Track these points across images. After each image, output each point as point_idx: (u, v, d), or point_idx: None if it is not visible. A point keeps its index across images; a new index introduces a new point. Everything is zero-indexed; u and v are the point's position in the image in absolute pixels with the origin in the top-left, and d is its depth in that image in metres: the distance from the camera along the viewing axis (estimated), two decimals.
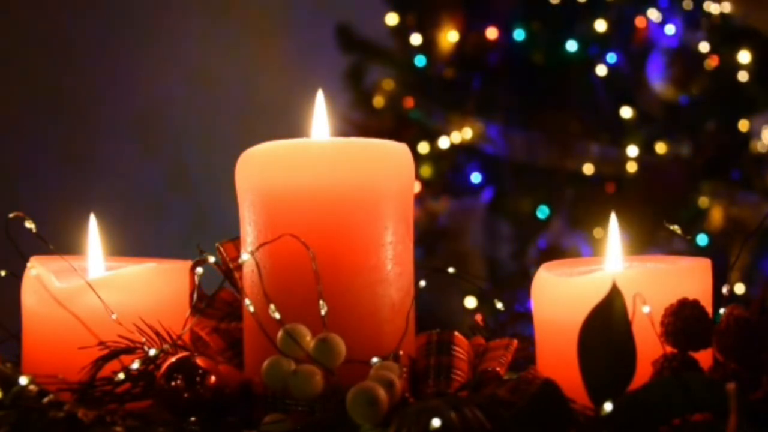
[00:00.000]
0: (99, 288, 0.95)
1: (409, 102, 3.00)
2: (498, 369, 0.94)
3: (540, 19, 2.88)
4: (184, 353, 0.91)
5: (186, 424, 0.88)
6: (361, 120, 2.98)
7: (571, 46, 2.82)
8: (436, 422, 0.77)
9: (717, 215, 2.73)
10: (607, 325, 0.81)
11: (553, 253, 2.75)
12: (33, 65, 3.56)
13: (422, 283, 0.97)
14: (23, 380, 0.86)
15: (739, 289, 2.55)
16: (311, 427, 0.86)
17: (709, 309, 0.90)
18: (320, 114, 0.99)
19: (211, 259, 0.97)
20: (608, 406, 0.78)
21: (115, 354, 0.92)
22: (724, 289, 0.92)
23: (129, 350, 0.93)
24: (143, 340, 0.93)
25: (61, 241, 1.01)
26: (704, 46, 2.74)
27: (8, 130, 3.54)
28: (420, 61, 2.95)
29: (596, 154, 2.82)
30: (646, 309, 0.85)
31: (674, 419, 0.79)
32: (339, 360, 0.84)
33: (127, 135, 3.62)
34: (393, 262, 0.93)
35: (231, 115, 3.61)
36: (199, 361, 0.89)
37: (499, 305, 1.08)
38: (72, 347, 0.93)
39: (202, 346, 0.98)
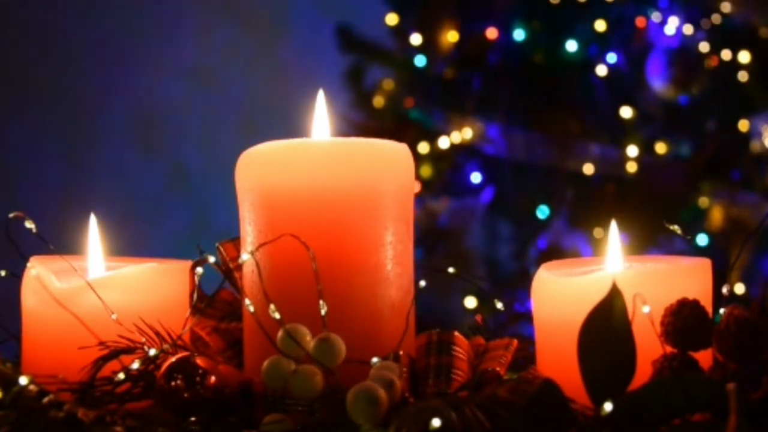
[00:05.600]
0: (99, 288, 0.95)
1: (409, 102, 3.00)
2: (498, 369, 0.94)
3: (540, 19, 2.88)
4: (184, 353, 0.91)
5: (186, 424, 0.88)
6: (361, 120, 2.97)
7: (571, 46, 2.82)
8: (436, 422, 0.77)
9: (717, 215, 2.73)
10: (607, 325, 0.81)
11: (553, 253, 2.75)
12: (33, 65, 3.56)
13: (422, 283, 0.97)
14: (23, 380, 0.86)
15: (739, 289, 2.55)
16: (311, 427, 0.86)
17: (709, 309, 0.90)
18: (320, 114, 0.99)
19: (211, 259, 0.97)
20: (608, 406, 0.78)
21: (115, 354, 0.92)
22: (724, 289, 0.92)
23: (129, 350, 0.93)
24: (143, 340, 0.93)
25: (61, 241, 1.01)
26: (704, 46, 2.74)
27: (8, 130, 3.54)
28: (420, 61, 2.95)
29: (596, 154, 2.82)
30: (646, 309, 0.85)
31: (674, 419, 0.79)
32: (339, 360, 0.84)
33: (127, 135, 3.62)
34: (393, 262, 0.93)
35: (231, 115, 3.61)
36: (199, 361, 0.89)
37: (499, 305, 1.08)
38: (72, 347, 0.93)
39: (202, 346, 0.98)
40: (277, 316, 0.85)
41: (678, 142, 2.80)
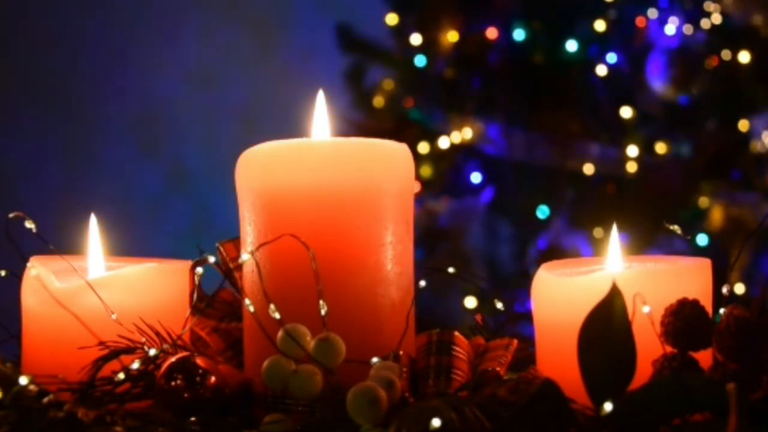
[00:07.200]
0: (99, 288, 0.95)
1: (409, 102, 3.00)
2: (498, 369, 0.94)
3: (540, 19, 2.88)
4: (184, 353, 0.91)
5: (186, 424, 0.88)
6: (361, 120, 2.97)
7: (571, 46, 2.82)
8: (436, 422, 0.77)
9: (717, 215, 2.74)
10: (607, 325, 0.81)
11: (553, 253, 2.75)
12: (33, 65, 3.56)
13: (422, 283, 0.97)
14: (23, 380, 0.86)
15: (739, 289, 2.55)
16: (311, 427, 0.86)
17: (709, 309, 0.90)
18: (320, 114, 0.99)
19: (211, 259, 0.97)
20: (608, 406, 0.78)
21: (115, 354, 0.92)
22: (724, 289, 0.92)
23: (129, 350, 0.93)
24: (143, 340, 0.93)
25: (61, 241, 1.01)
26: (704, 46, 2.74)
27: (8, 130, 3.54)
28: (420, 61, 2.95)
29: (596, 154, 2.82)
30: (646, 309, 0.85)
31: (674, 419, 0.79)
32: (339, 360, 0.84)
33: (128, 135, 3.62)
34: (393, 262, 0.93)
35: (231, 115, 3.61)
36: (199, 361, 0.89)
37: (499, 305, 1.08)
38: (72, 347, 0.93)
39: (202, 346, 0.98)
40: (277, 316, 0.85)
41: (678, 142, 2.80)
